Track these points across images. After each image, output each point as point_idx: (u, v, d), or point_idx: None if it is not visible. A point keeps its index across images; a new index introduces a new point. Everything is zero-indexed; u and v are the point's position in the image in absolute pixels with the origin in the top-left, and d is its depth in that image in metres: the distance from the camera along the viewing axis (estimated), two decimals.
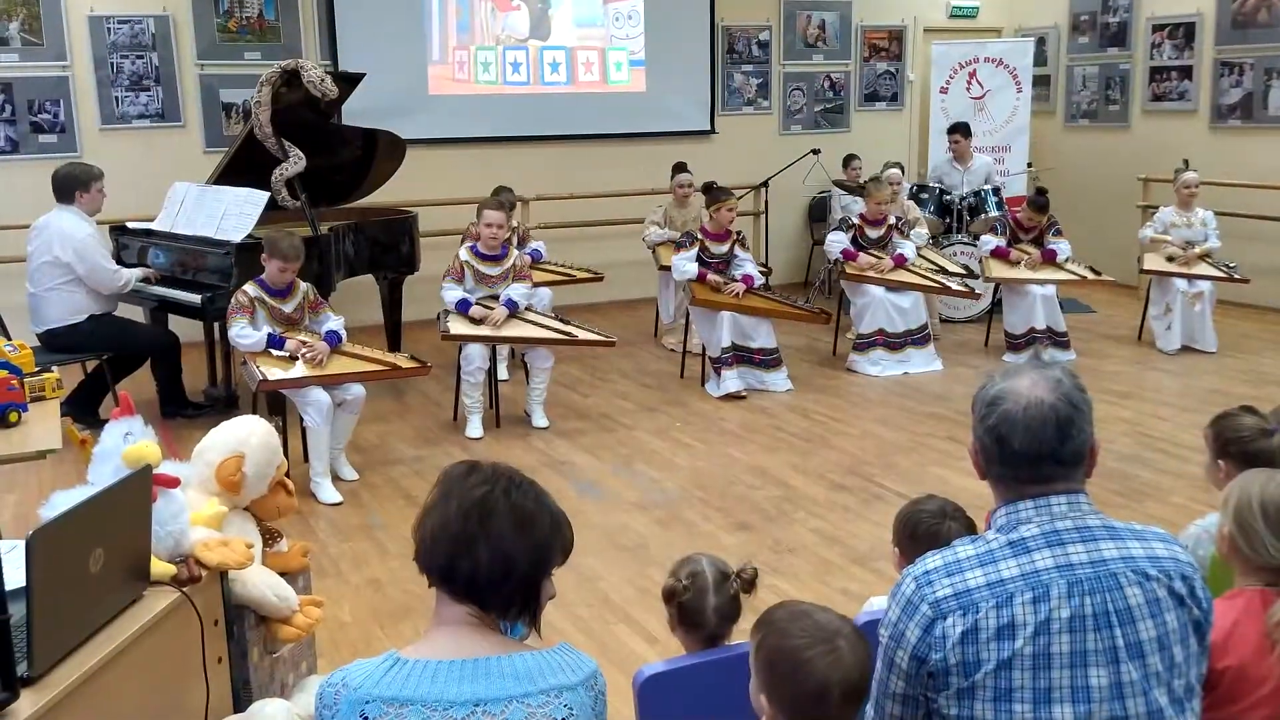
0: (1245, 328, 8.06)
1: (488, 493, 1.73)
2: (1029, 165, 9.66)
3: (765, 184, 9.53)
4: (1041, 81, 10.34)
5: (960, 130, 8.68)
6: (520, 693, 1.64)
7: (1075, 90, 10.33)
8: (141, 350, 6.23)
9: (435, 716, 1.61)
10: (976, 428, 1.80)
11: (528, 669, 1.67)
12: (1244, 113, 8.94)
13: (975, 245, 7.95)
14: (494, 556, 1.69)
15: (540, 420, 6.10)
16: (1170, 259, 7.46)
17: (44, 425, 3.53)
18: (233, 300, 5.23)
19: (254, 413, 4.11)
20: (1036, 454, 1.73)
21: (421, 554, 1.75)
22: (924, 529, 2.43)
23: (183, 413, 6.21)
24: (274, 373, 5.05)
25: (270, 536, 2.93)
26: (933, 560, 1.78)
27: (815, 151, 9.39)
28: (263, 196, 6.09)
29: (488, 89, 9.10)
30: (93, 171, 6.01)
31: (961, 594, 1.71)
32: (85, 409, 5.92)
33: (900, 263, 7.18)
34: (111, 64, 7.91)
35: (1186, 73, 9.34)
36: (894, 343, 7.11)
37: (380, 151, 7.02)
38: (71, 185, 5.90)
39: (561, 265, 7.64)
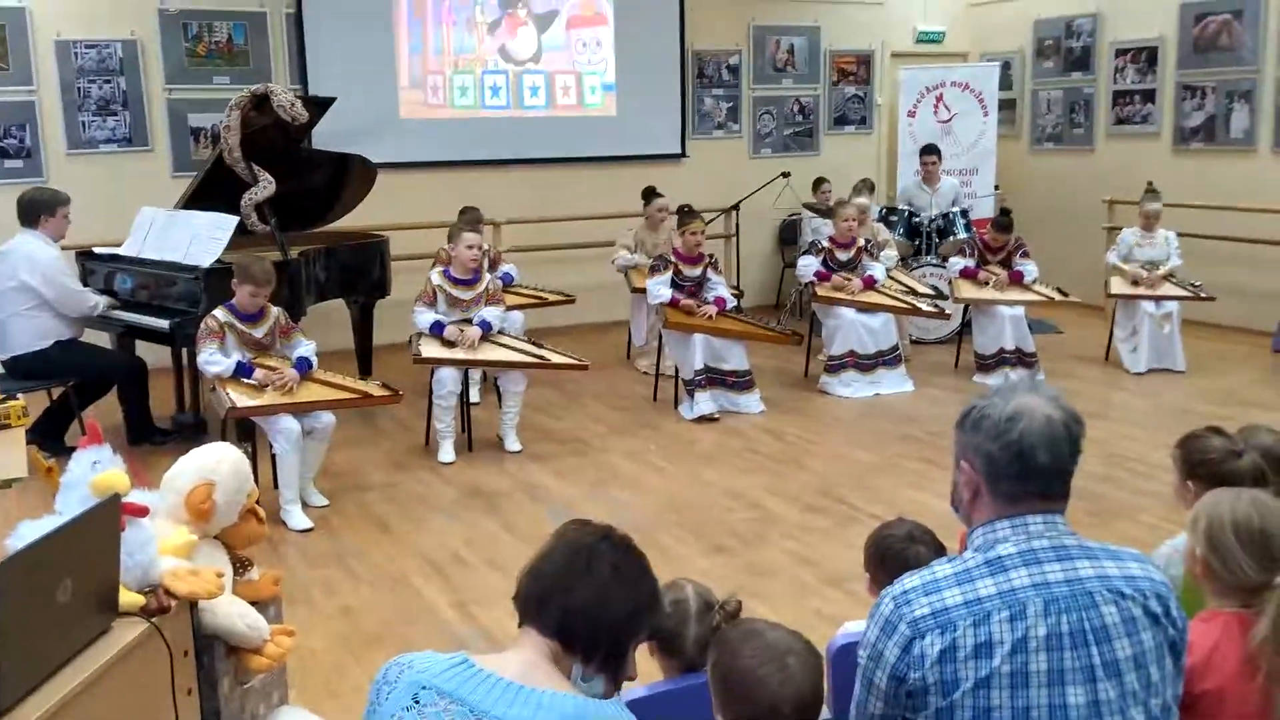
0: (1213, 347, 8.15)
1: (597, 542, 1.79)
2: (996, 188, 9.76)
3: (736, 207, 9.59)
4: (1007, 105, 10.46)
5: (935, 152, 8.81)
6: None
7: (1040, 114, 10.46)
8: (108, 376, 6.16)
9: None
10: (986, 445, 1.78)
11: (576, 712, 1.66)
12: (1206, 135, 9.08)
13: (944, 267, 8.01)
14: (589, 598, 1.73)
15: (513, 444, 6.08)
16: (1135, 283, 7.56)
17: (9, 454, 3.48)
18: (202, 325, 5.18)
19: (223, 439, 4.08)
20: (1059, 469, 1.77)
21: (519, 589, 1.79)
22: (892, 554, 2.44)
23: (151, 440, 6.13)
24: (243, 399, 5.00)
25: (241, 565, 2.89)
26: (911, 580, 1.79)
27: (785, 174, 9.45)
28: (232, 221, 6.05)
29: (457, 113, 9.11)
30: (60, 197, 5.96)
31: (939, 613, 1.72)
32: (51, 437, 5.85)
33: (870, 284, 7.23)
34: (78, 88, 7.85)
35: (1149, 96, 9.49)
36: (865, 364, 7.14)
37: (351, 175, 7.00)
38: (37, 209, 5.86)
39: (533, 288, 7.64)
